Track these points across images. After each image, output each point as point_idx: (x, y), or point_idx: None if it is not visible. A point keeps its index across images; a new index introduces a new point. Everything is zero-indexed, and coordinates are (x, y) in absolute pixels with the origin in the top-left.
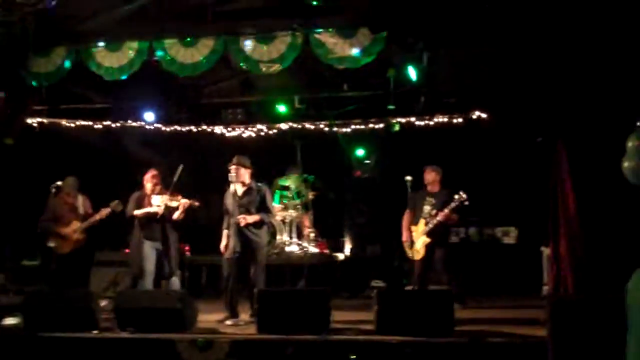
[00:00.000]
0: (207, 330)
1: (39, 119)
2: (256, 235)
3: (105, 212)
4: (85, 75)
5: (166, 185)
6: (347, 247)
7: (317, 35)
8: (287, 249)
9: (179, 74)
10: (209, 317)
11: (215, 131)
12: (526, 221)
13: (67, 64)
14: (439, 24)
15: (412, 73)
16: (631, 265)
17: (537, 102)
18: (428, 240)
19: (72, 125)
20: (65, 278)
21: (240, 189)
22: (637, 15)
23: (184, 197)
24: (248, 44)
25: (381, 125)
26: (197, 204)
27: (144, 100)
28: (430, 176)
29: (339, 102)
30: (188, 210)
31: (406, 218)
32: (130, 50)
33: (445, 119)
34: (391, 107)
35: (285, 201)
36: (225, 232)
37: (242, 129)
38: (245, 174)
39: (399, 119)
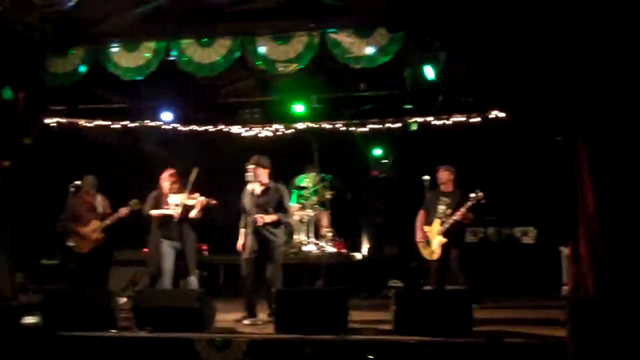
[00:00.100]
0: (225, 330)
1: (58, 119)
2: (273, 234)
3: (124, 211)
4: (103, 76)
5: (183, 185)
6: (365, 247)
7: (333, 35)
8: (305, 248)
9: (196, 74)
10: (227, 316)
11: (232, 131)
12: (545, 221)
13: (85, 64)
14: (456, 23)
15: (429, 72)
16: None
17: (556, 101)
18: (444, 240)
19: (90, 125)
20: (84, 277)
21: (258, 189)
22: None
23: (201, 196)
24: (262, 50)
25: (398, 125)
26: (214, 202)
27: (161, 100)
28: (444, 176)
29: (356, 101)
30: (205, 210)
31: (420, 218)
32: (147, 50)
33: (463, 119)
34: (408, 106)
35: (302, 201)
36: (242, 231)
37: (259, 129)
38: (263, 174)
39: (416, 119)
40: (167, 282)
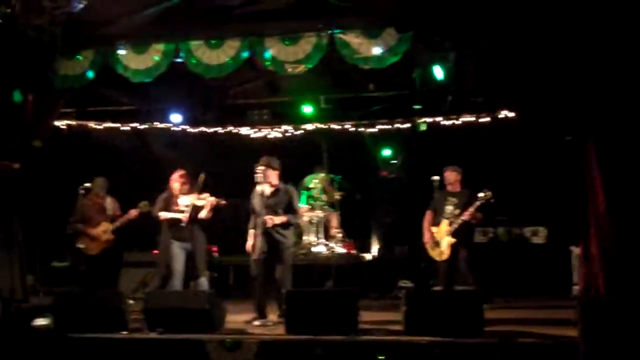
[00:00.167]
0: (235, 331)
1: (67, 122)
2: (283, 236)
3: (133, 213)
4: (113, 78)
5: (193, 186)
6: (375, 248)
7: (342, 36)
8: (314, 249)
9: (205, 75)
10: (237, 317)
11: (241, 132)
12: (555, 221)
13: (94, 67)
14: (465, 23)
15: (438, 72)
16: None
17: (566, 100)
18: (453, 240)
19: (100, 127)
20: (94, 279)
21: (267, 190)
22: None
23: (211, 196)
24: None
25: (407, 125)
26: (223, 202)
27: (170, 102)
28: (452, 176)
29: (365, 102)
30: (215, 211)
31: (427, 219)
32: (156, 52)
33: (473, 119)
34: (417, 106)
35: (311, 202)
36: (251, 232)
37: (268, 130)
38: (273, 175)
39: (425, 119)
40: (177, 283)
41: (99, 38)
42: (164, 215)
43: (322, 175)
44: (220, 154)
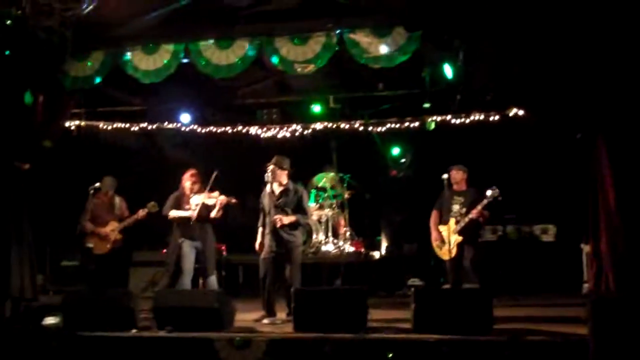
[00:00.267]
0: (244, 329)
1: (77, 122)
2: (292, 235)
3: (142, 213)
4: (122, 78)
5: (205, 186)
6: (384, 246)
7: (351, 35)
8: (323, 248)
9: (214, 75)
10: (246, 316)
11: (250, 132)
12: (565, 218)
13: (104, 68)
14: (474, 21)
15: (448, 71)
16: None
17: (576, 97)
18: (460, 238)
19: (109, 127)
20: (104, 278)
21: (277, 189)
22: None
23: (221, 195)
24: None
25: (417, 124)
26: (234, 201)
27: (179, 102)
28: (458, 175)
29: (374, 101)
30: (225, 209)
31: (433, 218)
32: (165, 53)
33: (482, 117)
34: (427, 105)
35: (321, 201)
36: (260, 230)
37: (277, 129)
38: (282, 175)
39: (434, 117)
40: (186, 281)
41: (108, 39)
42: (173, 214)
43: (332, 174)
44: (229, 154)
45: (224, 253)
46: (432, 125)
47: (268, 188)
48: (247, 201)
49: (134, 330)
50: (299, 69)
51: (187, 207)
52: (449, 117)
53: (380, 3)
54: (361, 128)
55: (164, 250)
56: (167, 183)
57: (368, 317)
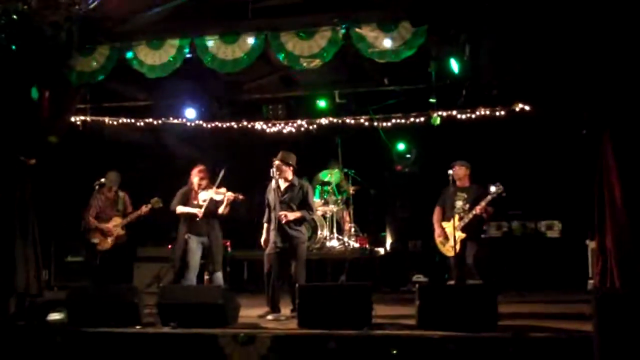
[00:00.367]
0: (248, 325)
1: (82, 117)
2: (297, 231)
3: (145, 209)
4: (128, 73)
5: (213, 182)
6: (388, 242)
7: (357, 30)
8: (328, 244)
9: (220, 70)
10: (251, 312)
11: (255, 127)
12: (570, 215)
13: (110, 63)
14: (480, 15)
15: (454, 66)
16: None
17: (582, 92)
18: (463, 235)
19: (115, 123)
20: (108, 274)
21: (282, 185)
22: None
23: (228, 191)
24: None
25: (422, 119)
26: (241, 197)
27: (185, 97)
28: (461, 171)
29: (379, 96)
30: (231, 205)
31: (436, 215)
32: (171, 48)
33: (488, 112)
34: (433, 100)
35: (326, 196)
36: (265, 226)
37: (283, 125)
38: (288, 171)
39: (440, 112)
40: (192, 277)
41: (114, 34)
42: (180, 209)
43: (337, 170)
44: (234, 149)
45: (229, 249)
46: (438, 121)
47: (273, 183)
48: (252, 197)
49: (138, 326)
50: (304, 64)
51: (194, 202)
52: (454, 112)
53: None
54: (366, 123)
55: (169, 246)
56: (171, 179)
57: (372, 313)
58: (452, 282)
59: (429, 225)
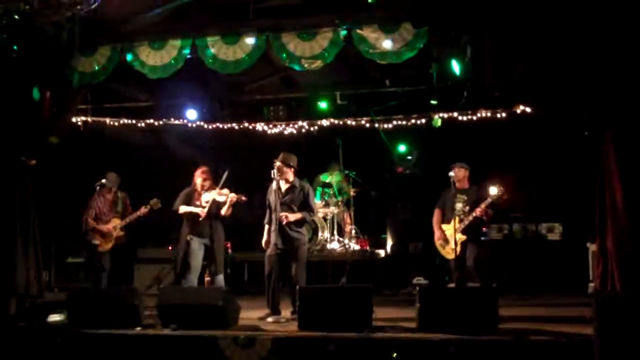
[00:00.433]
0: (249, 328)
1: (84, 118)
2: (298, 232)
3: (143, 210)
4: (129, 74)
5: (216, 183)
6: (389, 244)
7: (359, 31)
8: (329, 246)
9: (221, 71)
10: (251, 314)
11: (256, 128)
12: (571, 217)
13: (111, 63)
14: (482, 16)
15: (455, 67)
16: None
17: (584, 94)
18: (463, 237)
19: (116, 123)
20: (108, 275)
21: (283, 186)
22: None
23: (231, 192)
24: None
25: (423, 121)
26: (244, 198)
27: (186, 98)
28: (460, 173)
29: (381, 97)
30: (233, 207)
31: (436, 217)
32: (173, 48)
33: (489, 114)
34: (434, 102)
35: (326, 198)
36: (266, 227)
37: (284, 126)
38: (289, 172)
39: (441, 114)
40: (193, 279)
41: (116, 35)
42: (183, 209)
43: (338, 171)
44: (235, 151)
45: (229, 250)
46: (439, 122)
47: (274, 185)
48: (252, 198)
49: (138, 328)
50: (306, 65)
51: (197, 203)
52: (456, 114)
53: None
54: (367, 125)
55: (170, 248)
56: (172, 179)
57: (373, 315)
58: (452, 285)
59: (429, 227)
